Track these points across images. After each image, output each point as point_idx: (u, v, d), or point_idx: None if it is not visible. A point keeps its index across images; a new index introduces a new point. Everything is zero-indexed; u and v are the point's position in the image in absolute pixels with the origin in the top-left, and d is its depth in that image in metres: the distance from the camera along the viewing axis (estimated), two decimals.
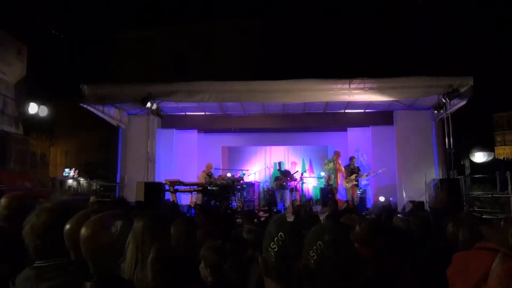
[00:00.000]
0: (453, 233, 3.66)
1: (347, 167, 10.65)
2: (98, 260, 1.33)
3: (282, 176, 10.84)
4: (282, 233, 0.95)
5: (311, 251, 0.95)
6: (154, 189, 8.25)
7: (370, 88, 8.76)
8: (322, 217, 4.31)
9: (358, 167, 10.58)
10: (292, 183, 11.14)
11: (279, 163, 11.79)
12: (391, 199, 10.06)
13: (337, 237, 0.97)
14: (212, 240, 2.63)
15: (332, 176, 10.77)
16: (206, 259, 2.09)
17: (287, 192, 10.69)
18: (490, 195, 9.28)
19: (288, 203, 10.46)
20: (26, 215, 2.40)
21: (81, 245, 1.37)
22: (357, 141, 11.46)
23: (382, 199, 10.07)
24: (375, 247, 2.76)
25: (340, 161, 11.08)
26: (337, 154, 11.15)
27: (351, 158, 10.64)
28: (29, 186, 8.31)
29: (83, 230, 1.38)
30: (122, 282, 1.38)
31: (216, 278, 2.08)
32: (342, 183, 10.73)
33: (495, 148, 64.60)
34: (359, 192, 10.55)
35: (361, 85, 8.70)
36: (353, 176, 10.31)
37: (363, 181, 10.97)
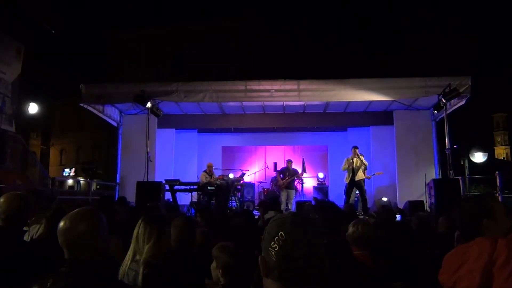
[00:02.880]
0: (446, 226, 3.64)
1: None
2: (73, 248, 1.46)
3: (291, 175, 10.12)
4: (282, 232, 0.94)
5: (273, 242, 0.94)
6: (148, 189, 8.16)
7: (370, 88, 8.74)
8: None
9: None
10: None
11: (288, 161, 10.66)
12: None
13: (299, 226, 0.95)
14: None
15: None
16: (218, 260, 2.12)
17: (294, 192, 10.28)
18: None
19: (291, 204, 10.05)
20: (27, 214, 2.37)
21: (58, 236, 1.48)
22: (357, 141, 11.38)
23: (385, 199, 10.01)
24: (370, 247, 2.74)
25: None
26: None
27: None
28: (20, 184, 8.27)
29: (61, 223, 1.49)
30: (94, 266, 1.47)
31: (228, 280, 2.09)
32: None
33: (495, 148, 64.71)
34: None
35: (360, 85, 8.68)
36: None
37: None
